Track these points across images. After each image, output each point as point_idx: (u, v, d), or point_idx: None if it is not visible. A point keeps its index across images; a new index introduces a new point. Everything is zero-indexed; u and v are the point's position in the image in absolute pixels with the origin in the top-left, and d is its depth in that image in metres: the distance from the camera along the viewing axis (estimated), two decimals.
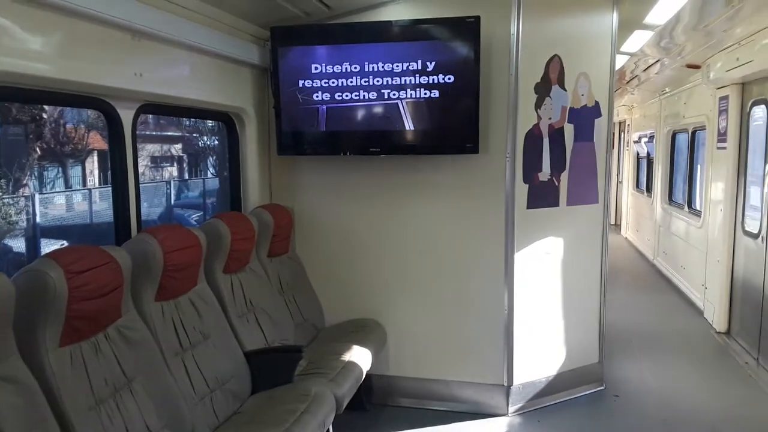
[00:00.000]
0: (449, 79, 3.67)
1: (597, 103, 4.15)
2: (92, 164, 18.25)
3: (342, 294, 4.22)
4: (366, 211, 4.10)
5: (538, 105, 3.89)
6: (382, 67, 3.73)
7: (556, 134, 4.00)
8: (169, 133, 21.98)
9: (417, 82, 3.70)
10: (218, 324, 3.05)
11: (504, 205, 3.87)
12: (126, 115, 2.85)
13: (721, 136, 5.66)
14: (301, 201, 4.21)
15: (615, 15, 4.07)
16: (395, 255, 4.10)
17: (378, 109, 3.77)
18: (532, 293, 4.02)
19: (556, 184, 4.04)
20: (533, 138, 3.90)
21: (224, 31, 3.54)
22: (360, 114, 3.80)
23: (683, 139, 7.88)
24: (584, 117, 4.11)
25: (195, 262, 2.91)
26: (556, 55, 3.91)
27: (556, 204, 4.06)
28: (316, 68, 3.79)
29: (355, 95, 3.77)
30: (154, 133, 21.02)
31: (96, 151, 17.84)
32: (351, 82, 3.77)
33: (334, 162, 4.10)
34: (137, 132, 2.97)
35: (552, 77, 3.92)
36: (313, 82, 3.81)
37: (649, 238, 9.45)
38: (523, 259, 3.94)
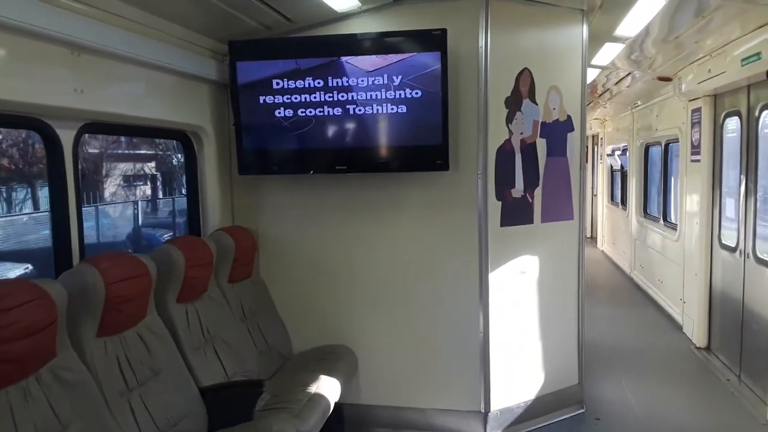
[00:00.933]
0: (416, 93, 3.53)
1: (569, 117, 4.04)
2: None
3: (310, 319, 4.02)
4: (334, 231, 3.92)
5: (509, 119, 3.76)
6: (347, 81, 3.57)
7: (529, 149, 3.87)
8: (142, 151, 21.61)
9: (383, 96, 3.55)
10: (170, 359, 2.82)
11: (477, 224, 3.72)
12: (66, 136, 2.64)
13: (695, 149, 5.62)
14: (266, 222, 4.01)
15: (585, 27, 3.99)
16: (365, 277, 3.92)
17: (344, 126, 3.61)
18: (508, 314, 3.87)
19: (530, 200, 3.91)
20: (505, 153, 3.77)
21: (178, 46, 3.35)
22: (325, 130, 3.63)
23: (656, 152, 7.87)
24: (557, 131, 3.99)
25: (143, 293, 2.69)
26: (526, 69, 3.80)
27: (531, 221, 3.93)
28: (277, 83, 3.62)
29: (319, 111, 3.61)
30: (126, 151, 20.66)
31: None
32: (314, 97, 3.60)
33: (299, 181, 3.91)
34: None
35: (523, 91, 3.81)
36: (274, 97, 3.63)
37: (625, 251, 9.41)
38: (498, 279, 3.79)
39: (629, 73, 6.37)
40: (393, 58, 3.51)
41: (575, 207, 4.12)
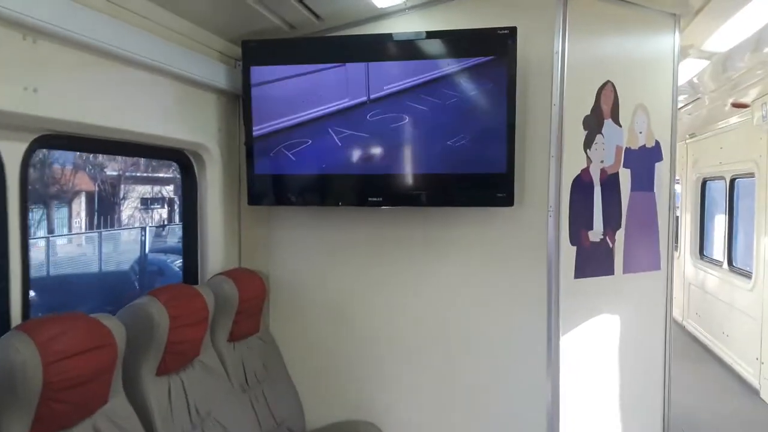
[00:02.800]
0: (474, 108, 2.78)
1: (657, 143, 3.27)
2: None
3: (329, 387, 3.22)
4: (363, 278, 3.15)
5: (587, 144, 3.00)
6: (387, 93, 2.85)
7: (610, 181, 3.09)
8: (161, 175, 21.18)
9: (432, 112, 2.81)
10: None
11: (546, 274, 2.93)
12: (10, 152, 1.92)
13: None
14: (279, 264, 3.25)
15: (677, 35, 3.24)
16: (400, 336, 3.13)
17: (380, 148, 2.87)
18: (582, 387, 3.04)
19: (611, 245, 3.11)
20: (582, 186, 2.99)
21: (178, 43, 2.66)
22: (357, 154, 2.89)
23: (717, 188, 7.05)
24: (643, 160, 3.22)
25: (104, 371, 1.92)
26: (609, 82, 3.05)
27: (611, 272, 3.13)
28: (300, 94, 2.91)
29: (351, 130, 2.88)
30: (144, 174, 20.24)
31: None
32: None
33: (322, 215, 3.17)
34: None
35: (604, 109, 3.05)
36: (296, 111, 2.91)
37: (676, 296, 8.50)
38: (570, 343, 2.98)
39: (697, 98, 5.59)
40: (446, 64, 2.78)
41: (663, 254, 3.32)
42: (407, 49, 2.83)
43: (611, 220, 3.09)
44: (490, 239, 2.99)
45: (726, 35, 3.51)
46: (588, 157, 2.99)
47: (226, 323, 2.81)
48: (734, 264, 6.35)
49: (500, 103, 2.74)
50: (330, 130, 2.86)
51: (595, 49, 3.02)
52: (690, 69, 4.26)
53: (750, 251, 6.00)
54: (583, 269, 3.01)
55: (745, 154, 5.59)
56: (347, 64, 2.86)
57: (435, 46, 2.83)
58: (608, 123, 3.06)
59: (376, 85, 2.84)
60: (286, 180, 3.01)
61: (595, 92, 3.01)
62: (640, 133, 3.19)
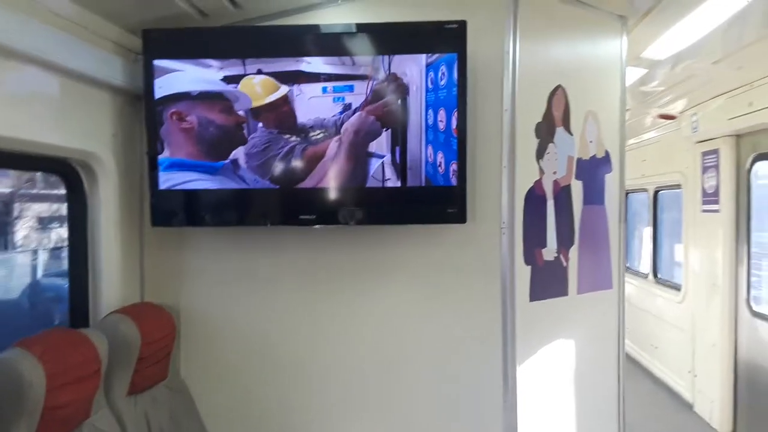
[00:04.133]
0: (421, 116, 2.45)
1: (607, 153, 3.08)
2: None
3: None
4: (294, 311, 2.70)
5: (539, 154, 2.74)
6: (320, 94, 2.45)
7: (563, 195, 2.85)
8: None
9: (372, 116, 2.45)
10: None
11: (501, 298, 2.62)
12: None
13: (709, 197, 4.83)
14: (192, 297, 2.74)
15: (624, 40, 3.08)
16: (340, 377, 2.71)
17: (313, 158, 2.46)
18: (539, 416, 2.75)
19: (564, 264, 2.87)
20: (535, 200, 2.72)
21: (62, 28, 2.15)
22: (285, 165, 2.47)
23: (639, 200, 7.16)
24: (594, 171, 3.01)
25: None
26: (559, 87, 2.82)
27: (565, 292, 2.87)
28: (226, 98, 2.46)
29: (275, 136, 2.45)
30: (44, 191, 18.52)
31: None
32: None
33: (245, 236, 2.70)
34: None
35: (556, 116, 2.81)
36: (218, 118, 2.46)
37: None
38: (526, 371, 2.68)
39: (627, 109, 5.59)
40: (387, 61, 2.43)
41: (615, 271, 3.12)
42: (338, 43, 2.45)
43: (564, 236, 2.85)
44: (438, 261, 2.65)
45: (666, 43, 3.41)
46: (540, 168, 2.74)
47: (125, 374, 2.28)
48: (660, 276, 6.42)
49: (450, 106, 2.42)
50: (250, 137, 2.41)
51: (545, 51, 2.77)
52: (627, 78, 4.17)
53: (674, 263, 6.09)
54: (538, 290, 2.73)
55: (671, 166, 5.64)
56: (272, 58, 2.44)
57: (370, 41, 2.46)
58: (560, 131, 2.82)
59: (309, 84, 2.44)
60: (199, 196, 2.52)
61: (547, 97, 2.76)
62: (591, 142, 2.98)
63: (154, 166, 2.48)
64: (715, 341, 4.76)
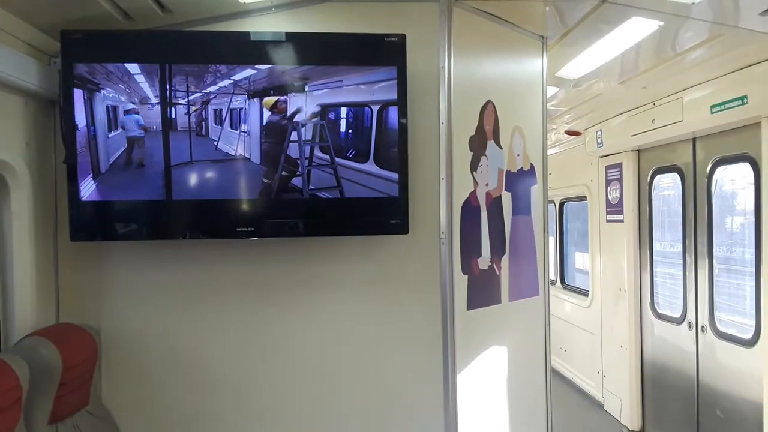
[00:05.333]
0: (360, 123, 2.44)
1: (532, 166, 3.23)
2: None
3: None
4: (228, 329, 2.58)
5: (474, 166, 2.82)
6: (254, 103, 2.38)
7: (494, 206, 2.95)
8: None
9: (310, 127, 2.41)
10: None
11: (441, 308, 2.66)
12: None
13: (614, 208, 5.19)
14: (113, 316, 2.54)
15: (545, 59, 3.26)
16: (277, 397, 2.61)
17: (250, 169, 2.38)
18: (479, 422, 2.80)
19: (497, 272, 2.96)
20: (470, 211, 2.80)
21: None
22: (216, 175, 2.37)
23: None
24: (521, 183, 3.14)
25: None
26: (490, 102, 2.93)
27: (498, 300, 2.97)
28: (136, 101, 2.31)
29: (210, 145, 2.35)
30: None
31: None
32: None
33: (175, 250, 2.55)
34: None
35: (487, 129, 2.91)
36: (131, 122, 2.31)
37: None
38: (465, 379, 2.73)
39: None
40: (326, 72, 2.41)
41: (540, 279, 3.26)
42: (281, 51, 2.40)
43: (497, 246, 2.95)
44: (379, 272, 2.64)
45: (581, 63, 3.64)
46: (475, 180, 2.82)
47: (46, 401, 2.07)
48: (566, 282, 6.79)
49: (390, 119, 2.44)
50: (182, 144, 2.30)
51: (476, 67, 2.87)
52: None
53: (580, 270, 6.48)
54: (475, 299, 2.80)
55: (577, 179, 6.01)
56: (202, 64, 2.34)
57: (307, 51, 2.42)
58: (491, 144, 2.93)
59: (242, 92, 2.36)
60: (123, 207, 2.35)
61: (478, 112, 2.86)
62: (518, 155, 3.12)
63: (73, 176, 2.29)
64: (622, 343, 5.09)
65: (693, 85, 3.74)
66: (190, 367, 2.57)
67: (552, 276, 7.14)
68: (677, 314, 4.38)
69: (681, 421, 4.36)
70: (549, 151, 6.66)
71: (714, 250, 3.95)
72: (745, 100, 3.29)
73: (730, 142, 3.76)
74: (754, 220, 3.59)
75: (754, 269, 3.61)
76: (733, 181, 3.90)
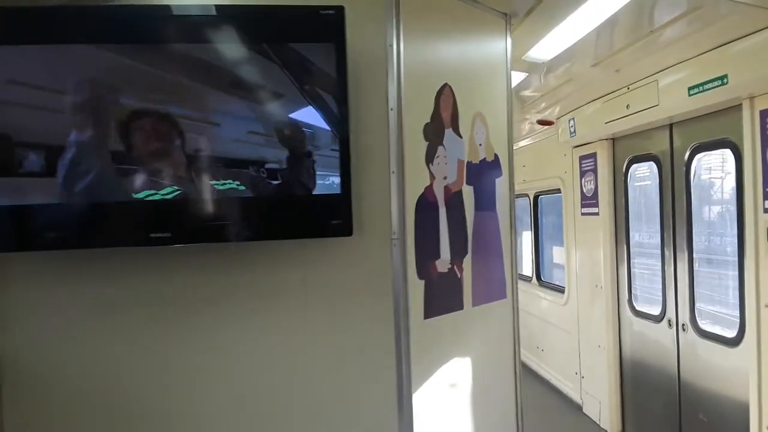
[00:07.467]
0: (293, 111, 2.12)
1: (497, 156, 2.94)
2: None
3: None
4: (148, 348, 2.24)
5: (429, 158, 2.52)
6: (170, 89, 2.04)
7: (454, 201, 2.65)
8: None
9: (235, 116, 2.08)
10: None
11: (393, 317, 2.35)
12: None
13: (589, 200, 4.95)
14: (14, 339, 2.19)
15: (508, 40, 2.97)
16: (207, 422, 2.28)
17: (165, 165, 2.04)
18: None
19: (459, 275, 2.66)
20: (427, 207, 2.50)
21: None
22: (128, 173, 2.02)
23: (519, 205, 7.31)
24: (484, 176, 2.85)
25: None
26: (447, 85, 2.62)
27: (460, 306, 2.67)
28: (36, 88, 1.96)
29: (120, 137, 2.01)
30: None
31: None
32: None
33: (79, 262, 2.20)
34: None
35: (444, 117, 2.61)
36: (24, 112, 1.96)
37: None
38: (423, 397, 2.43)
39: None
40: (251, 50, 2.08)
41: (508, 280, 2.98)
42: (199, 27, 2.06)
43: (458, 246, 2.65)
44: (321, 280, 2.32)
45: (548, 45, 3.37)
46: (431, 173, 2.52)
47: None
48: (542, 279, 6.56)
49: (328, 104, 2.12)
50: (82, 139, 1.95)
51: (430, 46, 2.57)
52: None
53: (556, 266, 6.24)
54: (433, 306, 2.50)
55: (550, 171, 5.76)
56: (111, 44, 2.00)
57: (233, 27, 2.09)
58: (449, 133, 2.63)
59: (156, 77, 2.02)
60: (18, 213, 2.00)
61: (434, 96, 2.55)
62: (480, 145, 2.82)
63: None
64: (600, 342, 4.86)
65: (669, 66, 3.48)
66: (107, 395, 2.22)
67: (528, 273, 6.92)
68: (656, 312, 4.15)
69: (663, 425, 4.14)
70: (522, 143, 6.49)
71: (694, 242, 3.71)
72: (725, 80, 3.04)
73: (710, 128, 3.52)
74: (735, 209, 3.35)
75: (736, 261, 3.38)
76: (711, 170, 3.67)
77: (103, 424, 2.19)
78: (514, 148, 6.42)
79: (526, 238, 7.11)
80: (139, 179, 2.00)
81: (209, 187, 2.03)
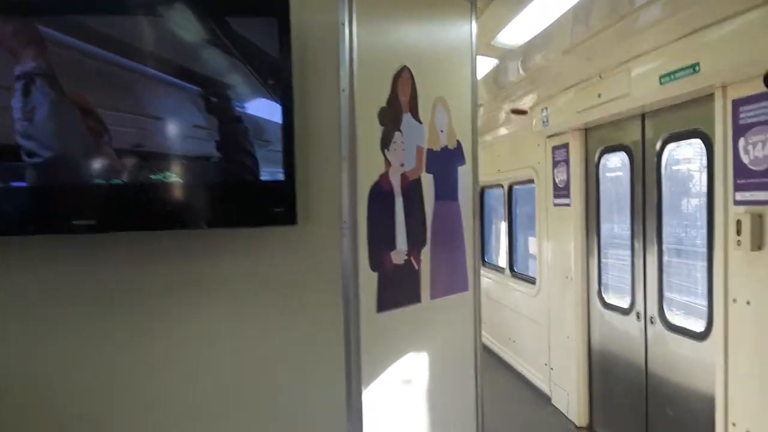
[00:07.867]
0: (232, 91, 1.97)
1: (459, 143, 2.81)
2: None
3: None
4: (78, 349, 2.07)
5: (385, 143, 2.39)
6: (96, 66, 1.88)
7: (412, 189, 2.53)
8: None
9: (166, 94, 1.93)
10: None
11: (343, 312, 2.23)
12: None
13: (561, 191, 4.86)
14: None
15: (474, 23, 2.83)
16: (144, 427, 2.14)
17: (89, 145, 1.88)
18: None
19: (416, 267, 2.54)
20: (381, 196, 2.37)
21: None
22: (50, 155, 1.86)
23: (495, 196, 7.23)
24: (446, 163, 2.73)
25: None
26: (405, 68, 2.48)
27: (417, 299, 2.56)
28: None
29: (39, 117, 1.84)
30: None
31: None
32: (29, 92, 1.84)
33: None
34: None
35: (402, 101, 2.47)
36: None
37: None
38: (374, 397, 2.32)
39: (480, 105, 5.52)
40: (180, 24, 1.92)
41: (470, 272, 2.87)
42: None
43: (416, 236, 2.53)
44: (264, 272, 2.18)
45: (517, 29, 3.27)
46: (387, 160, 2.38)
47: None
48: (515, 270, 6.49)
49: (272, 84, 1.98)
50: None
51: (388, 25, 2.43)
52: (480, 69, 4.00)
53: (528, 257, 6.17)
54: (387, 299, 2.38)
55: (524, 161, 5.67)
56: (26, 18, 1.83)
57: None
58: (407, 118, 2.49)
59: (80, 50, 1.86)
60: None
61: (391, 79, 2.42)
62: (442, 131, 2.69)
63: None
64: (569, 333, 4.80)
65: (641, 54, 3.38)
66: (35, 400, 2.06)
67: (503, 264, 6.85)
68: (626, 304, 4.08)
69: (630, 417, 4.09)
70: (498, 132, 6.37)
71: (663, 235, 3.64)
72: (696, 68, 2.94)
73: (682, 118, 3.43)
74: (706, 201, 3.28)
75: (705, 254, 3.32)
76: (681, 161, 3.60)
77: (31, 427, 2.03)
78: (490, 137, 6.35)
79: (502, 228, 7.04)
80: (69, 164, 1.85)
81: (138, 173, 1.88)
